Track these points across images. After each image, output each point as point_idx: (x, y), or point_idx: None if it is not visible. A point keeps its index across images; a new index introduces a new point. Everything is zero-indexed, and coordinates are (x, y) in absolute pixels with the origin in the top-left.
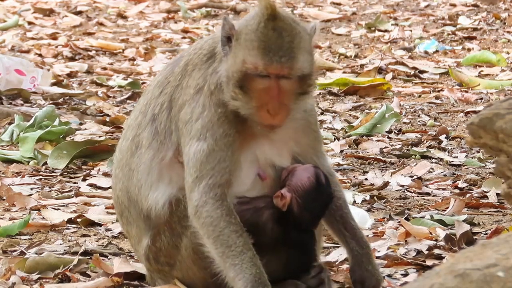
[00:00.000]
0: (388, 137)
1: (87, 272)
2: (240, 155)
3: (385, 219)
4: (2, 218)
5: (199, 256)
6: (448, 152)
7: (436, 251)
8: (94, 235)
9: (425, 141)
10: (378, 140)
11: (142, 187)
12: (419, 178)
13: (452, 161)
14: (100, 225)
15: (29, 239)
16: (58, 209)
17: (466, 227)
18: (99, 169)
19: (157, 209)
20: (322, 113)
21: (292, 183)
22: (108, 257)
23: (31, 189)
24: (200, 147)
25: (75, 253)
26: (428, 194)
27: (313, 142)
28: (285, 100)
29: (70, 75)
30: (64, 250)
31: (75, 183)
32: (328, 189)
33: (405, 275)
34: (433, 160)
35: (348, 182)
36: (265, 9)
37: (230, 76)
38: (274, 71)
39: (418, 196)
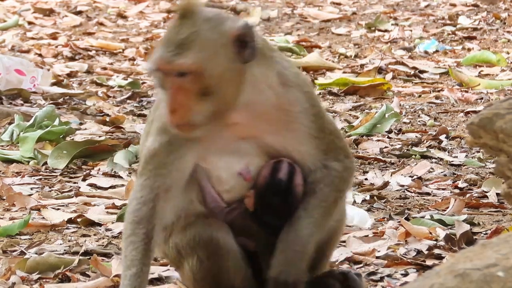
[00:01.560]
0: (388, 137)
1: (87, 272)
2: (189, 161)
3: (385, 219)
4: (2, 218)
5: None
6: (448, 152)
7: (436, 251)
8: (94, 235)
9: (425, 141)
10: (378, 140)
11: None
12: (419, 178)
13: (452, 161)
14: (100, 225)
15: (29, 239)
16: (58, 209)
17: (466, 227)
18: (99, 169)
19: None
20: None
21: (255, 181)
22: (112, 256)
23: (31, 189)
24: (151, 145)
25: (75, 253)
26: (428, 194)
27: (310, 145)
28: (183, 100)
29: (70, 75)
30: (64, 250)
31: (75, 183)
32: (287, 185)
33: (405, 275)
34: (433, 160)
35: None
36: (179, 7)
37: None
38: (159, 65)
39: (418, 196)
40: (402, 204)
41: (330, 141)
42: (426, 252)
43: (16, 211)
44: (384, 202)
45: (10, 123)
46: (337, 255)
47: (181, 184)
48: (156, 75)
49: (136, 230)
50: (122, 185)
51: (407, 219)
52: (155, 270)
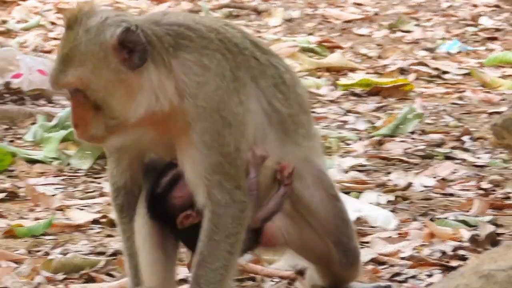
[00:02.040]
0: (411, 138)
1: (111, 272)
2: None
3: (410, 220)
4: (26, 218)
5: None
6: (472, 153)
7: (461, 252)
8: (118, 235)
9: (448, 142)
10: (402, 141)
11: None
12: (443, 179)
13: (476, 162)
14: None
15: (53, 239)
16: (82, 209)
17: (491, 228)
18: None
19: None
20: (345, 114)
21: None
22: None
23: (55, 189)
24: None
25: (99, 254)
26: (452, 195)
27: (196, 163)
28: (81, 114)
29: None
30: (89, 251)
31: (99, 183)
32: (162, 194)
33: (430, 276)
34: (457, 161)
35: (372, 182)
36: (65, 17)
37: None
38: (50, 84)
39: (442, 197)
40: (426, 205)
41: (219, 164)
42: (450, 253)
43: (40, 211)
44: (408, 203)
45: (33, 124)
46: (362, 256)
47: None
48: None
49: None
50: None
51: (431, 220)
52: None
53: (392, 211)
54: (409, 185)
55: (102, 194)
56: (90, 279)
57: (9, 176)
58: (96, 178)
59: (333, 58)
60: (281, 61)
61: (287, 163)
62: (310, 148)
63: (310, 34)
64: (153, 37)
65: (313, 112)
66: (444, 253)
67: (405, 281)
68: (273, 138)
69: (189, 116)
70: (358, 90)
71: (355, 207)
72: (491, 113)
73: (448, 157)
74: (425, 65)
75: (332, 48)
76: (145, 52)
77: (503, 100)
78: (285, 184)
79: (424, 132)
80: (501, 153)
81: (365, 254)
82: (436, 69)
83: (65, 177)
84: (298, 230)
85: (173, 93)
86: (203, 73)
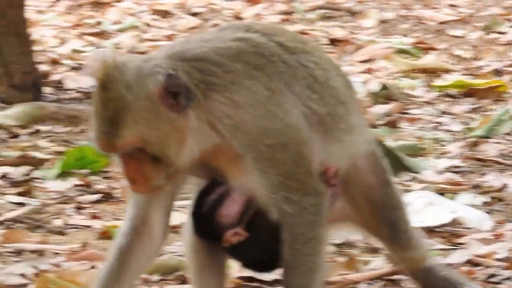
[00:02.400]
0: (506, 139)
1: None
2: None
3: (505, 221)
4: (122, 219)
5: None
6: None
7: None
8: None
9: None
10: (496, 142)
11: None
12: None
13: None
14: None
15: None
16: (177, 210)
17: None
18: None
19: None
20: (440, 115)
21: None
22: None
23: None
24: None
25: None
26: None
27: (260, 183)
28: (138, 170)
29: None
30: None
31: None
32: (206, 214)
33: None
34: None
35: (467, 184)
36: (98, 76)
37: None
38: (100, 147)
39: None
40: None
41: (280, 183)
42: None
43: None
44: (503, 205)
45: None
46: (457, 257)
47: None
48: None
49: None
50: None
51: None
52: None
53: (488, 212)
54: (504, 186)
55: None
56: (185, 281)
57: (104, 177)
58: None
59: (428, 60)
60: (311, 56)
61: (330, 163)
62: (353, 142)
63: (404, 35)
64: (185, 75)
65: (408, 113)
66: None
67: (500, 282)
68: (315, 139)
69: (237, 149)
70: (453, 91)
71: (451, 208)
72: None
73: None
74: None
75: (427, 50)
76: (189, 93)
77: None
78: (331, 185)
79: None
80: None
81: (460, 256)
82: None
83: None
84: (352, 208)
85: (213, 134)
86: (236, 112)
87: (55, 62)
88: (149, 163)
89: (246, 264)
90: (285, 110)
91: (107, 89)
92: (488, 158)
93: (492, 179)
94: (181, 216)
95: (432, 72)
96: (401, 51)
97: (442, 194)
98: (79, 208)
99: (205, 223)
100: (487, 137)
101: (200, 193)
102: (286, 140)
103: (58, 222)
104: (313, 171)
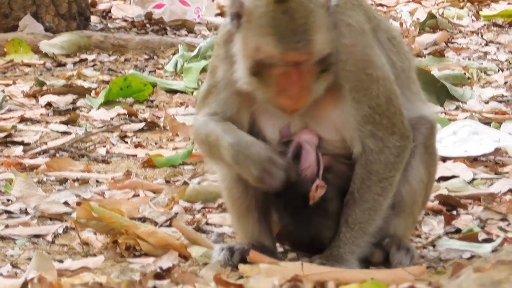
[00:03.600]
0: None
1: None
2: (245, 109)
3: None
4: (165, 148)
5: None
6: None
7: None
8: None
9: None
10: None
11: None
12: None
13: None
14: None
15: (192, 169)
16: None
17: None
18: None
19: None
20: (486, 44)
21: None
22: None
23: None
24: (202, 87)
25: None
26: None
27: (360, 118)
28: (305, 83)
29: None
30: None
31: None
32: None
33: None
34: None
35: (511, 113)
36: None
37: (242, 62)
38: (292, 59)
39: None
40: None
41: (370, 116)
42: None
43: (180, 141)
44: None
45: (174, 54)
46: (500, 186)
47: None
48: (263, 65)
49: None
50: None
51: None
52: None
53: None
54: None
55: None
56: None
57: (148, 106)
58: None
59: None
60: (387, 21)
61: None
62: (420, 106)
63: None
64: None
65: (454, 42)
66: None
67: None
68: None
69: (339, 76)
70: (500, 21)
71: (495, 138)
72: None
73: None
74: None
75: None
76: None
77: None
78: None
79: None
80: None
81: (503, 184)
82: None
83: None
84: None
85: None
86: (351, 34)
87: None
88: (314, 77)
89: (300, 239)
90: (378, 52)
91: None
92: None
93: None
94: None
95: (479, 2)
96: None
97: (486, 123)
98: (123, 137)
99: (294, 184)
100: None
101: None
102: (382, 75)
103: (101, 151)
104: (403, 113)
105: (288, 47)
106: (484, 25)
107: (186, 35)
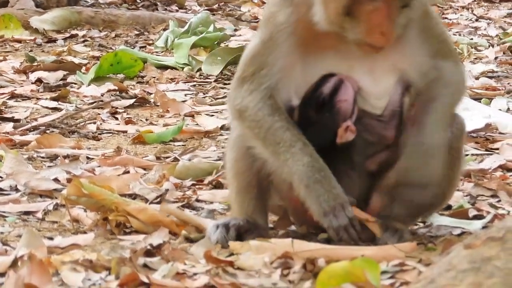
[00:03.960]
0: None
1: None
2: (301, 59)
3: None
4: (156, 124)
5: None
6: None
7: None
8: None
9: None
10: None
11: None
12: None
13: None
14: None
15: (182, 145)
16: (212, 115)
17: None
18: None
19: None
20: (476, 20)
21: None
22: None
23: (185, 95)
24: (250, 46)
25: None
26: None
27: (434, 50)
28: (394, 18)
29: None
30: (218, 157)
31: (229, 89)
32: (327, 99)
33: None
34: None
35: (502, 88)
36: None
37: (333, 1)
38: None
39: None
40: None
41: (441, 44)
42: None
43: (170, 117)
44: None
45: (164, 29)
46: (490, 162)
47: (285, 85)
48: (357, 2)
49: (275, 118)
50: None
51: None
52: None
53: None
54: None
55: None
56: (219, 185)
57: (139, 82)
58: (226, 84)
59: None
60: None
61: None
62: None
63: None
64: None
65: (445, 18)
66: None
67: None
68: None
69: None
70: None
71: (485, 114)
72: None
73: None
74: None
75: None
76: None
77: None
78: None
79: None
80: None
81: (493, 161)
82: None
83: (195, 83)
84: None
85: None
86: None
87: None
88: (399, 11)
89: None
90: None
91: None
92: None
93: None
94: (215, 121)
95: None
96: None
97: (477, 99)
98: (113, 113)
99: (323, 112)
100: None
101: (315, 84)
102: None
103: (92, 127)
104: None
105: None
106: (475, 0)
107: (177, 11)
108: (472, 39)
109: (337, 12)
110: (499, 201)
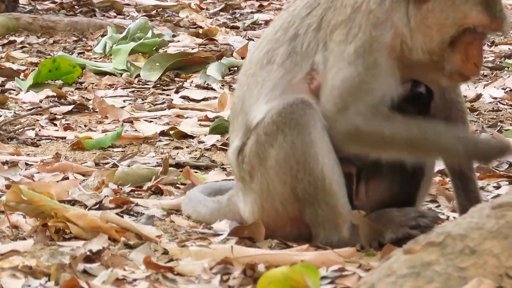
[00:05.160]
0: None
1: (178, 185)
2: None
3: (478, 131)
4: (95, 131)
5: (283, 170)
6: None
7: None
8: (187, 147)
9: None
10: None
11: (259, 100)
12: None
13: None
14: (192, 137)
15: (121, 151)
16: (151, 121)
17: None
18: (192, 81)
19: (257, 119)
20: None
21: None
22: (204, 169)
23: (124, 101)
24: (349, 75)
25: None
26: None
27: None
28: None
29: None
30: (157, 163)
31: (167, 95)
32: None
33: (498, 187)
34: None
35: None
36: None
37: (437, 32)
38: (496, 27)
39: (510, 108)
40: (494, 117)
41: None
42: None
43: (109, 123)
44: (477, 115)
45: (103, 35)
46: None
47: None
48: (463, 33)
49: (393, 122)
50: (215, 98)
51: (499, 131)
52: None
53: None
54: (478, 96)
55: (170, 106)
56: (158, 191)
57: (78, 88)
58: (164, 90)
59: None
60: None
61: None
62: None
63: None
64: None
65: None
66: (511, 164)
67: None
68: None
69: None
70: None
71: None
72: None
73: None
74: None
75: None
76: None
77: None
78: None
79: (494, 44)
80: None
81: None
82: None
83: (134, 89)
84: None
85: None
86: None
87: None
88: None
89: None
90: None
91: None
92: None
93: (466, 89)
94: (154, 127)
95: None
96: None
97: None
98: (52, 119)
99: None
100: None
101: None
102: None
103: (31, 134)
104: None
105: (496, 16)
106: None
107: (115, 17)
108: None
109: (442, 42)
110: (439, 206)
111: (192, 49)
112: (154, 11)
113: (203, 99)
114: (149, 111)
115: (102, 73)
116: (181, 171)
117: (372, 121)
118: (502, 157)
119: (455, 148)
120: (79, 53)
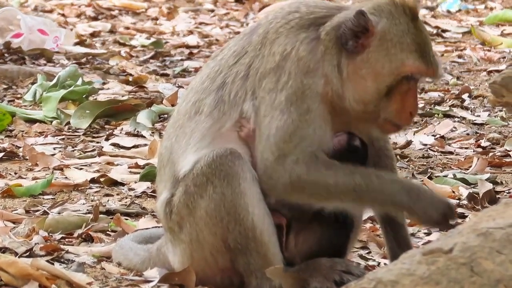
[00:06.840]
0: None
1: (109, 232)
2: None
3: (408, 178)
4: (25, 178)
5: (213, 221)
6: (471, 111)
7: (459, 210)
8: (117, 194)
9: (448, 100)
10: None
11: (187, 150)
12: (442, 137)
13: (475, 120)
14: (123, 184)
15: (52, 198)
16: (81, 168)
17: (489, 186)
18: (122, 129)
19: (185, 169)
20: None
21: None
22: (135, 216)
23: (54, 148)
24: (283, 123)
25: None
26: (451, 153)
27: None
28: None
29: (93, 34)
30: (87, 210)
31: (98, 142)
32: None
33: (428, 234)
34: (456, 119)
35: None
36: (411, 9)
37: (372, 81)
38: (433, 73)
39: (441, 155)
40: (425, 163)
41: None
42: None
43: (39, 171)
44: (407, 161)
45: (33, 83)
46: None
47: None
48: (400, 81)
49: (335, 170)
50: (145, 145)
51: (430, 178)
52: None
53: None
54: (409, 143)
55: (101, 154)
56: (89, 239)
57: (8, 136)
58: (95, 137)
59: None
60: None
61: None
62: None
63: None
64: None
65: None
66: None
67: None
68: None
69: None
70: None
71: None
72: (490, 71)
73: (447, 115)
74: (426, 23)
75: None
76: None
77: (503, 58)
78: None
79: (423, 90)
80: (500, 111)
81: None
82: (436, 27)
83: (64, 137)
84: None
85: None
86: None
87: None
88: None
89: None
90: None
91: (417, 18)
92: None
93: (396, 136)
94: (84, 174)
95: None
96: None
97: None
98: None
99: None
100: None
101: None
102: None
103: None
104: None
105: (431, 62)
106: None
107: (45, 65)
108: None
109: (378, 91)
110: (369, 252)
111: (122, 96)
112: (84, 59)
113: (133, 146)
114: (79, 158)
115: (32, 121)
116: (111, 218)
117: (313, 170)
118: (445, 213)
119: (399, 195)
120: (9, 101)
